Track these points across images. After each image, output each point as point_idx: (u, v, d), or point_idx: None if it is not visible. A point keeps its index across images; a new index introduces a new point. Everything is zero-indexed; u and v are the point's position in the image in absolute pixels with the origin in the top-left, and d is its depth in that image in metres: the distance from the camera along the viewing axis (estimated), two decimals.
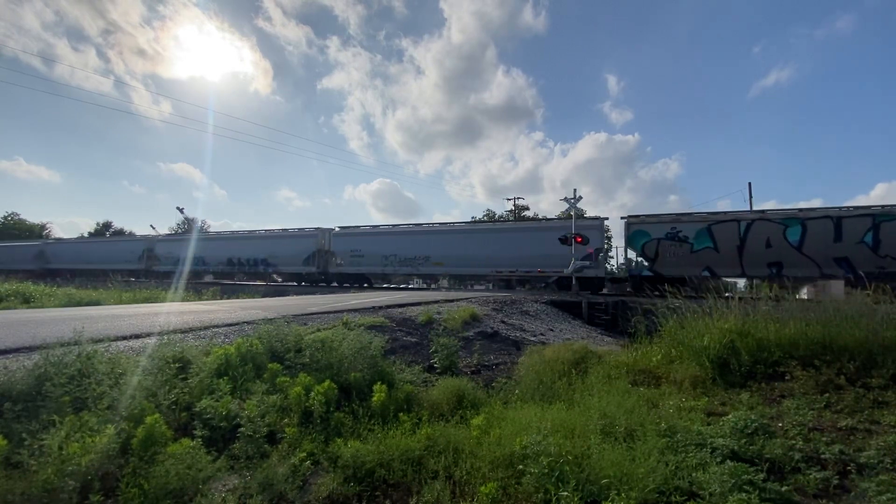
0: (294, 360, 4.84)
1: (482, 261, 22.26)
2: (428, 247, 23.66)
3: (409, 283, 31.53)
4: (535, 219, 22.75)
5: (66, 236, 55.15)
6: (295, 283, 27.46)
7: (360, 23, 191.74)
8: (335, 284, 26.10)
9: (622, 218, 20.13)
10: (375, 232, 25.87)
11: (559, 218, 22.21)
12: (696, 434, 3.81)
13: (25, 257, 39.79)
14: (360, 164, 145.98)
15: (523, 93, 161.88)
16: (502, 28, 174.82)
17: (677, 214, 18.98)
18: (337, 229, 26.79)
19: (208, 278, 32.06)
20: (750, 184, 32.80)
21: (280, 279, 30.22)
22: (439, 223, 25.88)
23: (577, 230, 19.12)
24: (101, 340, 4.36)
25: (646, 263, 18.83)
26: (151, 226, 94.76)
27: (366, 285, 25.96)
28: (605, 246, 20.13)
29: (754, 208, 28.07)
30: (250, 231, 30.72)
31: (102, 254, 35.95)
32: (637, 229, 19.13)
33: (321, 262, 26.13)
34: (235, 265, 29.21)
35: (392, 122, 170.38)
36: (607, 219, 20.87)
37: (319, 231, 26.67)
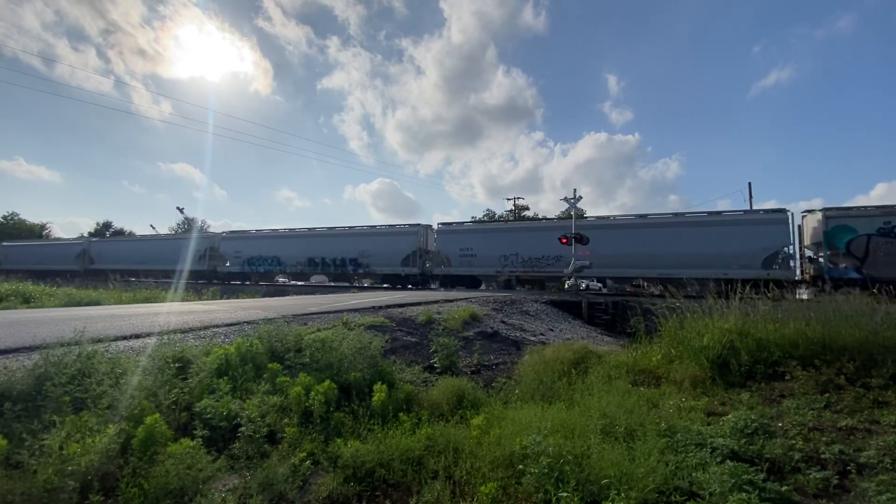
0: (294, 359, 4.84)
1: (638, 260, 19.15)
2: (560, 244, 20.35)
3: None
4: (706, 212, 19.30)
5: (65, 236, 54.18)
6: (388, 286, 24.56)
7: (360, 23, 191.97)
8: (436, 286, 23.55)
9: (804, 213, 18.02)
10: (490, 229, 23.11)
11: (745, 211, 18.62)
12: (696, 434, 3.81)
13: (66, 257, 36.25)
14: (360, 164, 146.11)
15: (523, 93, 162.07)
16: (502, 28, 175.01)
17: (890, 206, 16.66)
18: (438, 226, 24.36)
19: (279, 279, 29.41)
20: (750, 184, 32.82)
21: (372, 280, 27.11)
22: (576, 218, 23.14)
23: (756, 224, 17.50)
24: (101, 340, 4.36)
25: (846, 265, 16.36)
26: (151, 226, 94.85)
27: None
28: (789, 244, 17.29)
29: (754, 208, 28.06)
30: (330, 228, 27.71)
31: (157, 253, 32.28)
32: (839, 224, 16.60)
33: (422, 262, 23.64)
34: (318, 265, 26.30)
35: (392, 122, 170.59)
36: (789, 211, 17.62)
37: (419, 228, 24.19)
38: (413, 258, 23.68)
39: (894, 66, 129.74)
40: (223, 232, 31.51)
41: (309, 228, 28.35)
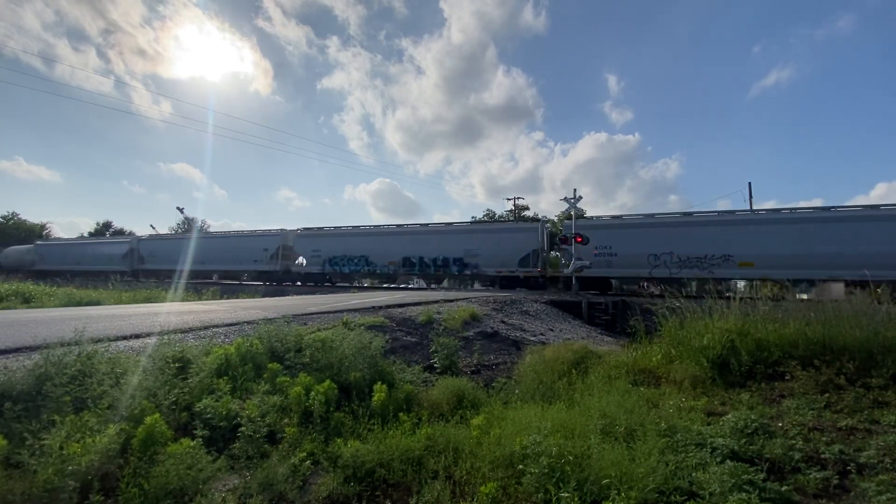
0: (294, 359, 4.85)
1: (818, 260, 16.51)
2: (730, 242, 17.75)
3: (409, 283, 29.96)
4: None
5: (65, 236, 52.78)
6: (502, 288, 21.68)
7: (360, 23, 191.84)
8: (559, 288, 20.89)
9: None
10: (635, 223, 19.76)
11: None
12: (696, 434, 3.81)
13: (112, 257, 33.66)
14: (360, 164, 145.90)
15: (523, 93, 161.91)
16: (502, 28, 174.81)
17: None
18: (566, 221, 21.25)
19: (356, 279, 26.85)
20: (750, 184, 32.89)
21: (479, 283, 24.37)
22: (749, 210, 18.40)
23: None
24: (101, 340, 4.36)
25: None
26: (151, 226, 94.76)
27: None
28: None
29: (754, 208, 28.05)
30: (423, 224, 25.48)
31: (218, 252, 29.63)
32: None
33: (543, 262, 21.26)
34: (415, 266, 23.69)
35: (392, 122, 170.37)
36: None
37: (539, 224, 21.88)
38: (533, 258, 20.93)
39: (894, 66, 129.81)
40: (297, 228, 28.26)
41: (398, 225, 26.22)
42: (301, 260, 27.01)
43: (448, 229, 24.36)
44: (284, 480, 2.98)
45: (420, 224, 25.83)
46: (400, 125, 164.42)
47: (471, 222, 23.88)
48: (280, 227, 28.41)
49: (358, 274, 26.04)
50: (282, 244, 27.31)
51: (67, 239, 44.04)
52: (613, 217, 20.29)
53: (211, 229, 51.29)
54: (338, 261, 25.55)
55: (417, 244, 24.06)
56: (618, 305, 15.02)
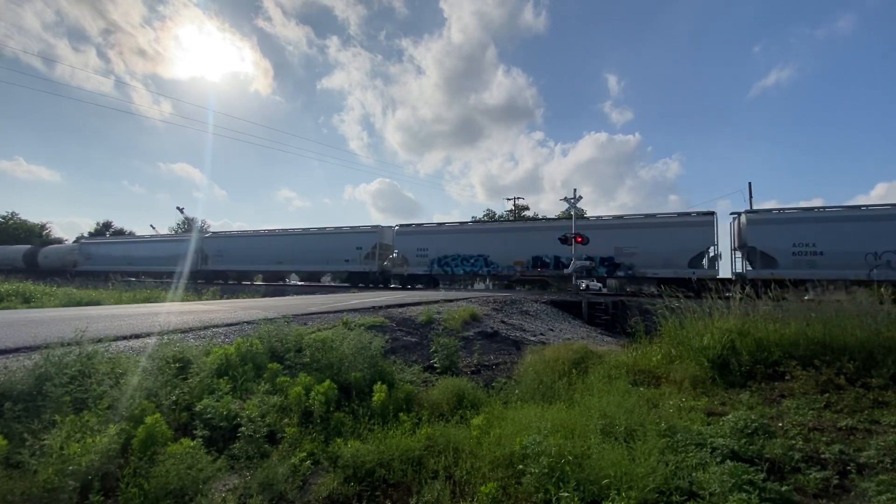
0: (294, 359, 4.85)
1: None
2: None
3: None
4: None
5: (65, 236, 51.17)
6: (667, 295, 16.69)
7: (361, 23, 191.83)
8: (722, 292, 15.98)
9: None
10: (842, 216, 16.21)
11: None
12: (696, 434, 3.81)
13: (171, 257, 30.95)
14: (360, 164, 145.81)
15: (523, 93, 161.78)
16: (502, 28, 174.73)
17: None
18: (748, 214, 17.53)
19: (471, 284, 24.23)
20: (750, 184, 32.68)
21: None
22: None
23: None
24: (101, 340, 4.36)
25: None
26: (151, 225, 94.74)
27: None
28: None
29: (754, 208, 27.94)
30: (550, 219, 21.18)
31: (300, 251, 26.69)
32: None
33: (712, 262, 18.13)
34: (549, 265, 20.58)
35: (392, 122, 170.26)
36: None
37: (713, 217, 18.15)
38: (707, 258, 17.97)
39: (894, 66, 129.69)
40: (395, 225, 25.05)
41: (516, 218, 22.69)
42: (403, 259, 24.08)
43: (594, 223, 20.38)
44: (284, 480, 2.98)
45: (548, 218, 21.96)
46: (400, 125, 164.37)
47: (623, 215, 19.30)
48: (373, 224, 25.64)
49: (475, 275, 23.21)
50: (378, 242, 24.21)
51: (119, 237, 40.89)
52: (804, 209, 16.94)
53: (211, 229, 50.84)
54: (449, 261, 22.23)
55: (552, 242, 19.82)
56: (618, 305, 15.01)
